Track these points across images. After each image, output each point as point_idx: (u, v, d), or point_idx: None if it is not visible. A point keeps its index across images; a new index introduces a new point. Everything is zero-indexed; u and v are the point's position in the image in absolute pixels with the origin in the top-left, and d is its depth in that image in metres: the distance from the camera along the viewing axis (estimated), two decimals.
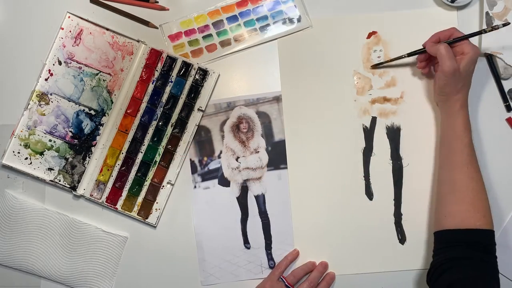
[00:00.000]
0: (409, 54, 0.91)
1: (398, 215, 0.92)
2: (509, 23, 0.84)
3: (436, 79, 0.87)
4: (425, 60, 0.90)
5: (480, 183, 0.83)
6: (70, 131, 0.94)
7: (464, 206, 0.82)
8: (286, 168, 0.93)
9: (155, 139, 0.93)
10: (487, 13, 0.92)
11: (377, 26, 0.94)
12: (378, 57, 0.94)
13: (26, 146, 0.93)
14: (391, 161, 0.93)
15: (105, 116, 0.94)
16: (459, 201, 0.83)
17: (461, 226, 0.81)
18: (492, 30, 0.85)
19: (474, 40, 0.93)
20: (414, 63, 0.94)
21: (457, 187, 0.83)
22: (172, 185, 0.93)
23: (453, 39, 0.85)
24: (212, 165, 0.93)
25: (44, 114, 0.94)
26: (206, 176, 0.93)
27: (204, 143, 0.94)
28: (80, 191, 0.92)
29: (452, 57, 0.83)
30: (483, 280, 0.78)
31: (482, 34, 0.93)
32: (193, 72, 0.94)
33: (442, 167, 0.87)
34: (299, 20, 0.95)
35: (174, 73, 0.94)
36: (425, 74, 0.93)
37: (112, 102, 0.94)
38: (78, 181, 0.93)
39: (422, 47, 0.89)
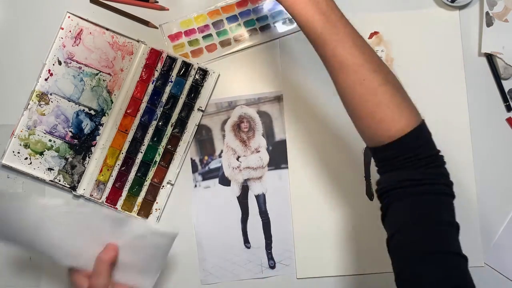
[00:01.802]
0: None
1: None
2: None
3: None
4: None
5: (382, 75, 0.66)
6: (70, 131, 0.94)
7: (375, 117, 0.67)
8: (287, 167, 0.93)
9: (155, 139, 0.93)
10: (487, 13, 0.92)
11: (378, 27, 0.94)
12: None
13: (26, 146, 0.93)
14: None
15: (105, 116, 0.94)
16: (368, 115, 0.68)
17: (382, 142, 0.67)
18: None
19: (474, 39, 0.94)
20: (415, 63, 0.94)
21: (354, 104, 0.69)
22: (172, 185, 0.93)
23: None
24: (213, 165, 0.93)
25: (44, 114, 0.94)
26: (207, 175, 0.93)
27: (205, 142, 0.94)
28: (80, 191, 0.92)
29: None
30: (432, 217, 0.65)
31: (482, 35, 0.93)
32: (193, 72, 0.94)
33: (333, 74, 0.72)
34: None
35: (174, 73, 0.94)
36: None
37: (112, 102, 0.94)
38: (78, 181, 0.93)
39: None
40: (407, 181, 0.66)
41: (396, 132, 0.66)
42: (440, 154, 0.68)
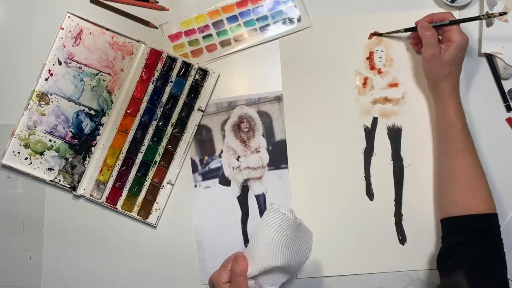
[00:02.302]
0: (406, 30, 0.91)
1: (398, 216, 0.92)
2: (505, 13, 0.85)
3: (422, 65, 0.89)
4: (418, 38, 0.90)
5: (477, 169, 0.84)
6: (70, 131, 0.94)
7: (463, 193, 0.83)
8: (287, 167, 0.93)
9: (155, 139, 0.93)
10: (487, 13, 0.92)
11: (378, 27, 0.94)
12: (380, 57, 0.94)
13: (26, 146, 0.93)
14: (392, 162, 0.93)
15: (105, 116, 0.94)
16: (458, 188, 0.84)
17: (463, 213, 0.82)
18: (489, 18, 0.87)
19: (474, 39, 0.94)
20: (415, 63, 0.94)
21: (454, 175, 0.84)
22: (172, 185, 0.93)
23: (442, 22, 0.86)
24: (213, 165, 0.93)
25: (44, 114, 0.94)
26: (207, 175, 0.93)
27: (205, 142, 0.94)
28: (80, 191, 0.92)
29: (434, 44, 0.84)
30: (487, 260, 0.78)
31: (482, 35, 0.93)
32: (193, 72, 0.94)
33: (439, 155, 0.89)
34: (299, 20, 0.95)
35: (174, 73, 0.94)
36: (417, 51, 0.94)
37: (112, 102, 0.94)
38: (78, 181, 0.93)
39: (415, 25, 0.89)
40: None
41: (486, 209, 0.82)
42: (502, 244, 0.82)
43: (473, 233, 0.81)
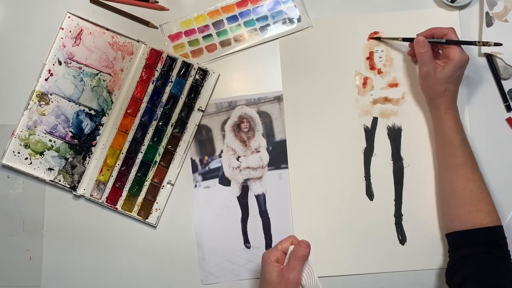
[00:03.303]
0: (404, 39, 0.91)
1: (398, 216, 0.92)
2: (501, 44, 0.85)
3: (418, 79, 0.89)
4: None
5: (478, 183, 0.84)
6: (70, 131, 0.94)
7: (466, 208, 0.83)
8: (287, 167, 0.93)
9: (155, 139, 0.93)
10: (487, 13, 0.92)
11: (378, 27, 0.94)
12: (380, 57, 0.94)
13: (26, 146, 0.93)
14: (392, 162, 0.93)
15: (105, 116, 0.94)
16: (461, 204, 0.84)
17: (468, 227, 0.82)
18: (483, 45, 0.87)
19: (474, 38, 0.94)
20: (415, 65, 0.94)
21: (455, 190, 0.84)
22: (172, 185, 0.93)
23: (438, 40, 0.86)
24: (213, 165, 0.93)
25: (44, 114, 0.94)
26: (207, 175, 0.93)
27: (205, 142, 0.94)
28: (80, 191, 0.92)
29: (428, 62, 0.84)
30: (494, 270, 0.79)
31: (482, 35, 0.93)
32: (193, 72, 0.94)
33: (439, 171, 0.89)
34: (299, 20, 0.95)
35: (174, 73, 0.94)
36: (415, 62, 0.93)
37: (112, 102, 0.94)
38: (78, 181, 0.93)
39: (416, 36, 0.88)
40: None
41: (490, 222, 0.82)
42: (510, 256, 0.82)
43: (479, 245, 0.81)
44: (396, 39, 0.92)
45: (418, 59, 0.87)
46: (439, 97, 0.86)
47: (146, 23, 0.95)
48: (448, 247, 0.86)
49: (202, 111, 0.93)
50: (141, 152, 0.93)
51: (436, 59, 0.87)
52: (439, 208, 0.91)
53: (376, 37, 0.94)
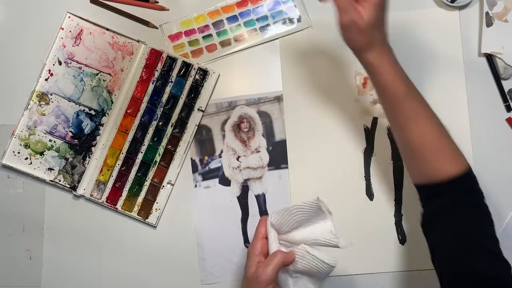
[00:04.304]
0: None
1: (398, 216, 0.92)
2: None
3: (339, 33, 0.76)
4: None
5: (435, 133, 0.75)
6: (70, 131, 0.94)
7: (428, 163, 0.75)
8: (287, 167, 0.93)
9: (155, 139, 0.93)
10: (487, 13, 0.92)
11: None
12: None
13: (26, 146, 0.93)
14: (392, 162, 0.93)
15: (105, 116, 0.94)
16: (421, 160, 0.76)
17: (434, 181, 0.75)
18: None
19: (474, 39, 0.94)
20: (415, 63, 0.94)
21: (412, 147, 0.76)
22: (172, 185, 0.93)
23: None
24: (213, 165, 0.93)
25: (44, 114, 0.94)
26: (207, 175, 0.93)
27: (205, 142, 0.94)
28: (80, 191, 0.92)
29: (348, 8, 0.71)
30: (471, 227, 0.73)
31: (482, 35, 0.93)
32: (193, 72, 0.94)
33: (392, 128, 0.80)
34: (299, 20, 0.95)
35: (174, 73, 0.94)
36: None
37: (112, 102, 0.94)
38: (78, 181, 0.93)
39: None
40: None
41: (455, 172, 0.74)
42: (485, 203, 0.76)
43: (452, 196, 0.74)
44: None
45: (337, 9, 0.72)
46: (368, 50, 0.74)
47: (146, 23, 0.95)
48: (419, 196, 0.78)
49: (202, 111, 0.93)
50: (141, 152, 0.93)
51: None
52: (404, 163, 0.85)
53: None
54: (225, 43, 0.95)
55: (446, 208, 0.74)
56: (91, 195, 0.93)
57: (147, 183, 0.93)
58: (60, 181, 0.93)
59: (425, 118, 0.75)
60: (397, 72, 0.75)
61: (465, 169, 0.75)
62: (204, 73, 0.94)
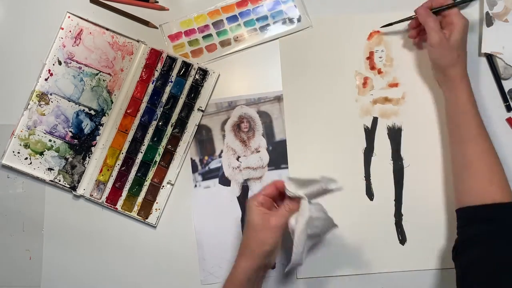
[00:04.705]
0: (403, 20, 0.91)
1: (398, 216, 0.92)
2: None
3: (428, 54, 0.87)
4: (417, 27, 0.90)
5: (492, 156, 0.82)
6: (70, 131, 0.94)
7: (479, 180, 0.80)
8: (287, 168, 0.93)
9: (155, 139, 0.93)
10: (487, 13, 0.92)
11: (378, 27, 0.94)
12: (380, 57, 0.94)
13: (26, 146, 0.93)
14: (392, 162, 0.93)
15: (105, 116, 0.94)
16: (473, 176, 0.81)
17: (479, 202, 0.79)
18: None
19: (474, 39, 0.94)
20: (414, 63, 0.94)
21: (469, 162, 0.82)
22: (172, 185, 0.93)
23: (441, 7, 0.86)
24: (213, 165, 0.93)
25: (44, 114, 0.94)
26: (207, 175, 0.93)
27: (205, 142, 0.94)
28: (80, 191, 0.92)
29: (438, 29, 0.83)
30: (498, 257, 0.75)
31: (482, 35, 0.93)
32: (193, 72, 0.94)
33: (452, 143, 0.86)
34: (299, 20, 0.95)
35: (174, 73, 0.94)
36: (415, 45, 0.94)
37: (112, 102, 0.94)
38: (78, 181, 0.93)
39: (414, 14, 0.89)
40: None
41: (502, 198, 0.79)
42: None
43: (489, 224, 0.77)
44: (397, 22, 0.92)
45: (428, 30, 0.84)
46: (454, 65, 0.84)
47: (146, 23, 0.95)
48: (457, 223, 0.82)
49: (202, 111, 0.93)
50: (141, 152, 0.93)
51: None
52: (453, 186, 0.87)
53: (376, 30, 0.94)
54: (225, 43, 0.95)
55: (484, 235, 0.77)
56: (91, 195, 0.93)
57: (147, 183, 0.93)
58: (60, 181, 0.93)
59: (485, 139, 0.83)
60: (472, 92, 0.85)
61: (510, 199, 0.79)
62: (204, 73, 0.94)
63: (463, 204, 0.81)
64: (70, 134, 0.94)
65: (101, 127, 0.94)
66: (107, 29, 0.94)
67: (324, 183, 0.77)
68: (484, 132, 0.83)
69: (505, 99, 0.93)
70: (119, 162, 0.93)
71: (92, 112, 0.94)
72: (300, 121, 0.93)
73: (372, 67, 0.94)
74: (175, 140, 0.93)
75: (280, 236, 0.77)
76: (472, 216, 0.80)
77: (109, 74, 0.94)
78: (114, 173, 0.93)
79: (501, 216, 0.78)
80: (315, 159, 0.93)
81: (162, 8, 0.96)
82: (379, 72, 0.94)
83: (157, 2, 0.96)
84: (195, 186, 0.93)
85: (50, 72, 0.94)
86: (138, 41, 0.94)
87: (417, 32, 0.91)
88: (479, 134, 0.82)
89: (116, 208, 0.92)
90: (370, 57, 0.94)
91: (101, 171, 0.93)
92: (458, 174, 0.84)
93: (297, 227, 0.76)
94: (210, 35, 0.95)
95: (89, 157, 0.93)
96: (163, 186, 0.93)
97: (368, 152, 0.93)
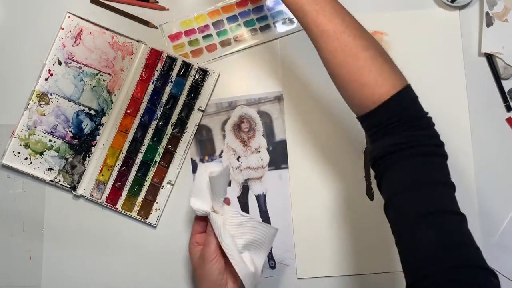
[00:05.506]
0: None
1: None
2: None
3: None
4: None
5: (363, 41, 0.68)
6: (70, 131, 0.94)
7: (358, 83, 0.68)
8: (287, 168, 0.93)
9: (155, 139, 0.93)
10: (487, 13, 0.92)
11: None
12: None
13: (26, 146, 0.93)
14: None
15: (105, 116, 0.94)
16: (351, 81, 0.69)
17: (375, 103, 0.67)
18: None
19: (474, 39, 0.94)
20: (415, 63, 0.94)
21: (340, 68, 0.70)
22: (172, 185, 0.93)
23: None
24: None
25: (44, 114, 0.94)
26: None
27: (205, 142, 0.94)
28: (80, 191, 0.92)
29: None
30: (430, 168, 0.66)
31: (482, 35, 0.93)
32: (193, 72, 0.94)
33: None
34: None
35: (174, 73, 0.94)
36: None
37: (112, 102, 0.94)
38: (78, 181, 0.93)
39: None
40: (395, 146, 0.67)
41: (380, 96, 0.67)
42: (428, 116, 0.69)
43: (401, 127, 0.66)
44: None
45: None
46: None
47: (146, 23, 0.95)
48: (364, 130, 0.72)
49: (202, 111, 0.93)
50: (141, 152, 0.93)
51: None
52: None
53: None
54: (225, 43, 0.95)
55: (401, 144, 0.66)
56: (91, 195, 0.93)
57: (147, 183, 0.93)
58: (60, 181, 0.93)
59: (350, 29, 0.69)
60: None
61: (405, 82, 0.69)
62: (204, 73, 0.94)
63: (359, 113, 0.71)
64: (70, 134, 0.94)
65: (101, 127, 0.94)
66: (107, 29, 0.94)
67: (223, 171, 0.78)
68: (340, 19, 0.70)
69: (505, 99, 0.93)
70: (119, 162, 0.93)
71: (92, 112, 0.94)
72: (300, 121, 0.94)
73: None
74: (175, 140, 0.93)
75: (220, 258, 0.78)
76: (376, 122, 0.68)
77: (109, 74, 0.94)
78: (114, 173, 0.93)
79: (407, 107, 0.68)
80: (315, 159, 0.93)
81: (162, 8, 0.96)
82: None
83: (157, 2, 0.96)
84: None
85: (50, 72, 0.94)
86: (138, 41, 0.94)
87: None
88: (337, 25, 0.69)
89: (116, 208, 0.92)
90: None
91: (101, 171, 0.93)
92: (339, 85, 0.73)
93: (222, 241, 0.78)
94: (210, 35, 0.95)
95: (89, 157, 0.93)
96: (163, 186, 0.93)
97: (368, 152, 0.92)
